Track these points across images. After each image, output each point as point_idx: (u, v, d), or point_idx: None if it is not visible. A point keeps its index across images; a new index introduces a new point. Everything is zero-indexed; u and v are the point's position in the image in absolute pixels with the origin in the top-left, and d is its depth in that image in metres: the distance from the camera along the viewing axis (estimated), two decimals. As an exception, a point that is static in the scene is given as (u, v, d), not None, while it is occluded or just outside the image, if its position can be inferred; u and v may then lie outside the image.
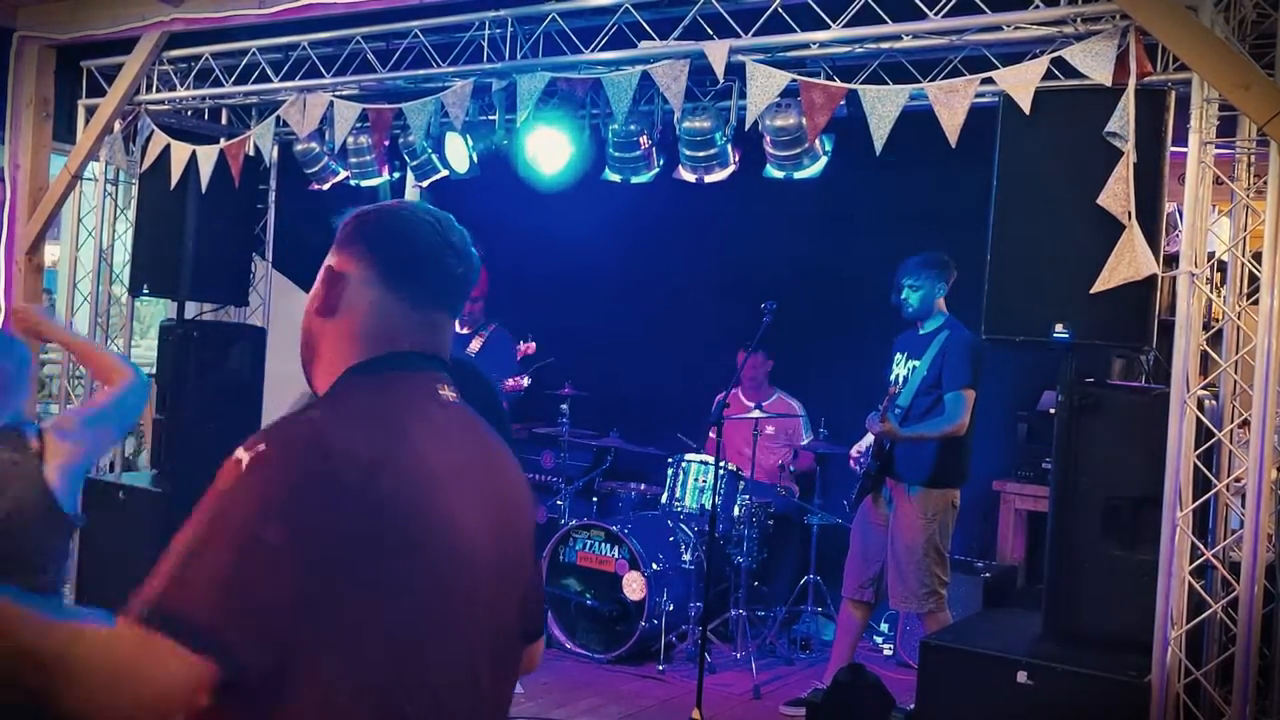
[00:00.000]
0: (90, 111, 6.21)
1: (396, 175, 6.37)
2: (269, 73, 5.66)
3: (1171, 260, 3.80)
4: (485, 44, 5.03)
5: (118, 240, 6.51)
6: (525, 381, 6.05)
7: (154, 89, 6.08)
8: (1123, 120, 3.57)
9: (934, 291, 5.05)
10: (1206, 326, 3.72)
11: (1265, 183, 3.48)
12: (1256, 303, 3.51)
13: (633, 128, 5.17)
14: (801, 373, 6.78)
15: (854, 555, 5.20)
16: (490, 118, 5.39)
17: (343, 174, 6.23)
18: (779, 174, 4.91)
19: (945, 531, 4.98)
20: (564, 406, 6.50)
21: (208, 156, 5.78)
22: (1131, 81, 3.59)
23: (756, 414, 6.21)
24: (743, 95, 4.53)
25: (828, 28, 4.21)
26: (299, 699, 1.29)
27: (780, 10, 4.30)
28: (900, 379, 5.10)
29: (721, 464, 5.43)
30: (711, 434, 5.86)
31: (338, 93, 5.42)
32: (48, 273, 6.41)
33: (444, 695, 1.40)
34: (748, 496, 6.02)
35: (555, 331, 6.70)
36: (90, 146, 6.10)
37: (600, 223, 6.81)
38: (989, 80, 3.85)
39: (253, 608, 1.25)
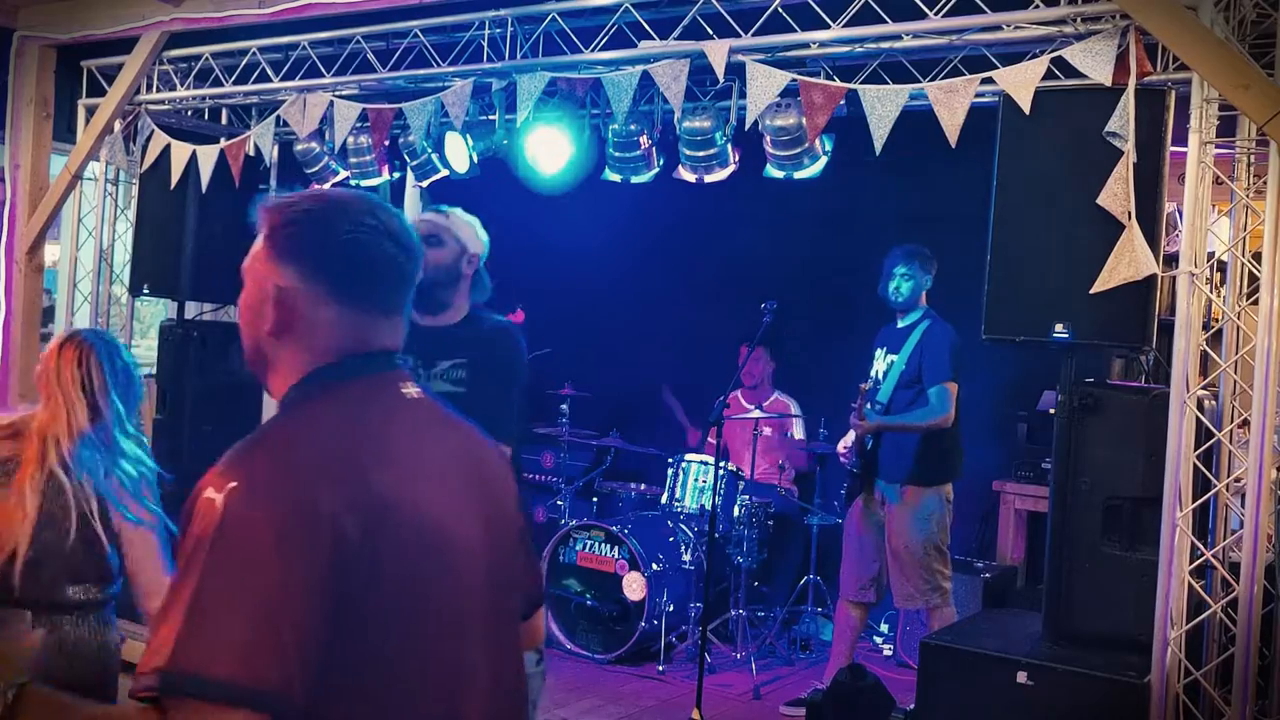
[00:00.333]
0: (90, 111, 6.21)
1: (396, 175, 6.37)
2: (269, 73, 5.66)
3: (1171, 260, 3.79)
4: (485, 44, 5.03)
5: (118, 240, 6.51)
6: None
7: (154, 89, 6.08)
8: (1123, 120, 3.57)
9: (922, 283, 5.07)
10: (1206, 326, 3.72)
11: (1265, 183, 3.48)
12: (1256, 303, 3.51)
13: (633, 128, 5.17)
14: (801, 373, 6.78)
15: (849, 557, 5.20)
16: (490, 118, 5.39)
17: (343, 174, 6.22)
18: (779, 174, 4.91)
19: (943, 527, 4.98)
20: (564, 406, 6.50)
21: (208, 156, 5.78)
22: (1131, 81, 3.59)
23: (756, 414, 6.21)
24: (743, 95, 4.53)
25: (828, 27, 4.21)
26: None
27: (780, 10, 4.30)
28: (879, 374, 5.12)
29: (721, 464, 5.43)
30: (711, 435, 5.86)
31: (338, 93, 5.42)
32: (48, 273, 6.41)
33: (447, 691, 1.40)
34: (748, 496, 6.02)
35: (555, 331, 6.70)
36: (90, 146, 6.10)
37: (600, 223, 6.81)
38: (989, 80, 3.85)
39: (276, 649, 1.24)
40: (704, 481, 6.10)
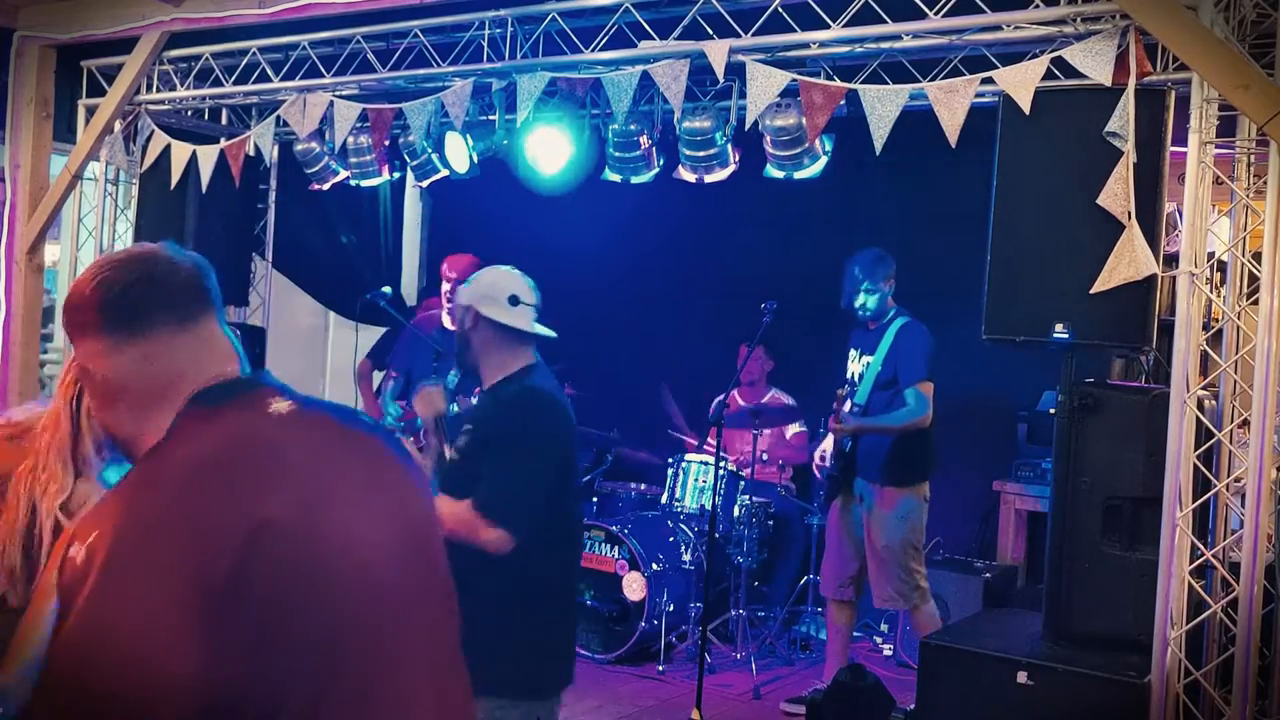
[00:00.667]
0: (90, 111, 6.21)
1: (396, 175, 6.37)
2: (269, 73, 5.66)
3: (1171, 260, 3.79)
4: (485, 44, 5.03)
5: (118, 240, 6.50)
6: None
7: (154, 89, 6.08)
8: (1123, 120, 3.57)
9: (887, 291, 5.07)
10: (1206, 326, 3.72)
11: (1265, 182, 3.47)
12: (1256, 303, 3.51)
13: (633, 128, 5.17)
14: (801, 372, 6.78)
15: (829, 556, 5.24)
16: (490, 118, 5.39)
17: (343, 174, 6.23)
18: (779, 174, 4.91)
19: (918, 527, 5.00)
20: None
21: (208, 156, 5.78)
22: (1131, 81, 3.59)
23: (756, 419, 6.21)
24: (743, 95, 4.53)
25: (828, 27, 4.21)
26: None
27: (780, 10, 4.30)
28: (854, 376, 5.12)
29: (721, 464, 5.43)
30: (711, 436, 5.86)
31: (338, 93, 5.42)
32: (48, 273, 6.41)
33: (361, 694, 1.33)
34: (748, 496, 6.02)
35: (555, 331, 6.69)
36: (90, 146, 6.10)
37: (600, 223, 6.81)
38: (989, 80, 3.85)
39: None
40: (704, 481, 6.10)
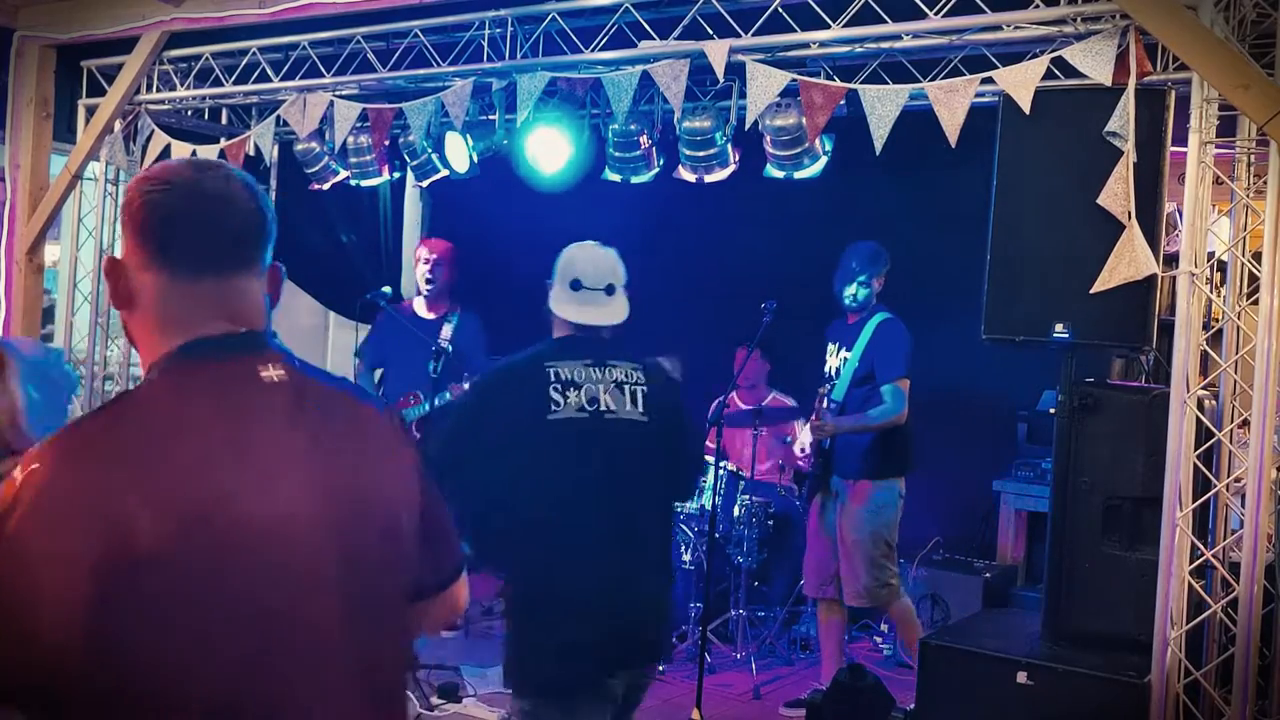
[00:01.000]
0: (90, 111, 6.22)
1: (396, 175, 6.38)
2: (269, 72, 5.67)
3: (1171, 260, 3.79)
4: (485, 44, 5.03)
5: (118, 240, 6.50)
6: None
7: (154, 89, 6.08)
8: (1123, 120, 3.57)
9: (878, 287, 5.09)
10: (1206, 326, 3.72)
11: (1265, 182, 3.48)
12: (1256, 303, 3.51)
13: (633, 127, 5.18)
14: (801, 372, 6.77)
15: (810, 555, 5.25)
16: (490, 117, 5.40)
17: (343, 174, 6.23)
18: (779, 174, 4.91)
19: (891, 523, 4.99)
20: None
21: (208, 156, 5.79)
22: (1131, 81, 3.59)
23: (757, 419, 6.20)
24: (743, 95, 4.53)
25: (828, 27, 4.21)
26: None
27: (780, 10, 4.30)
28: (833, 370, 5.12)
29: (721, 464, 5.43)
30: (710, 436, 5.85)
31: (338, 92, 5.42)
32: (48, 272, 6.41)
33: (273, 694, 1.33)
34: (748, 496, 6.02)
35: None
36: (90, 146, 6.10)
37: (600, 223, 6.78)
38: (989, 80, 3.85)
39: (26, 641, 1.22)
40: (704, 482, 6.10)
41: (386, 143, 5.77)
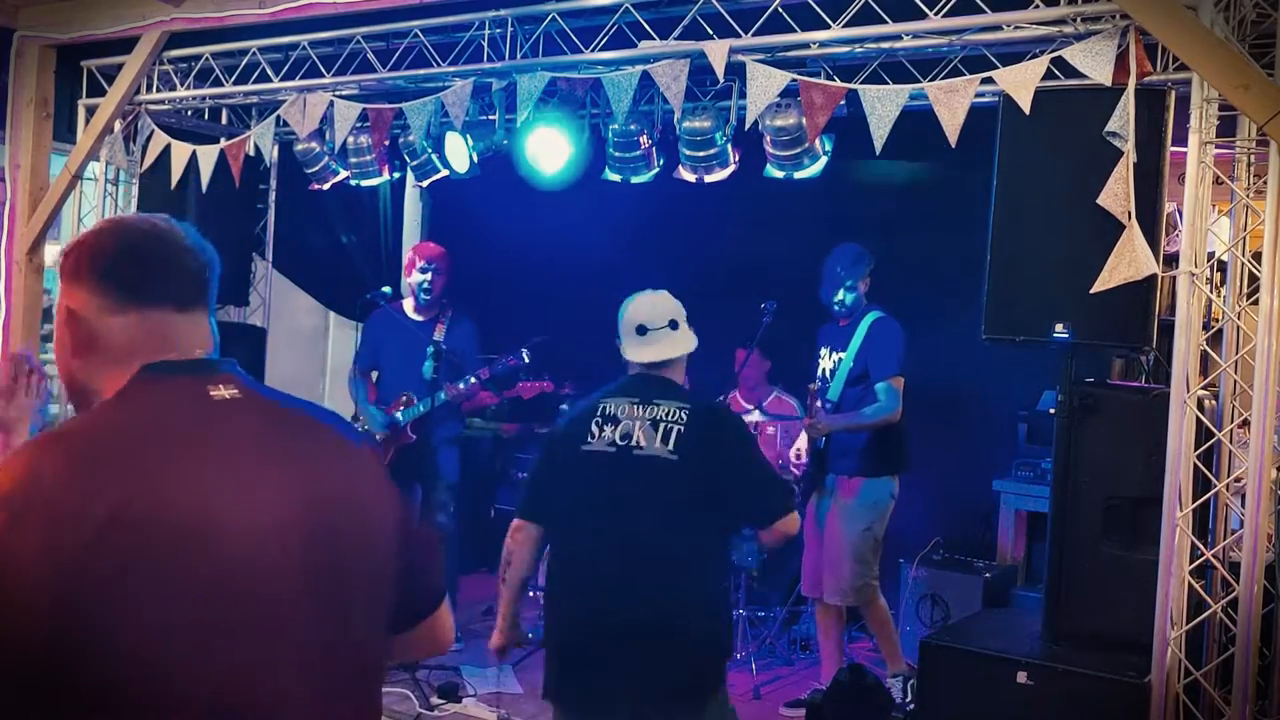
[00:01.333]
0: (90, 111, 6.21)
1: (396, 175, 6.37)
2: (269, 73, 5.66)
3: (1171, 260, 3.79)
4: (485, 44, 5.03)
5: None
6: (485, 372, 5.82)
7: (154, 89, 6.08)
8: (1123, 120, 3.57)
9: (864, 289, 5.08)
10: (1206, 326, 3.72)
11: (1265, 182, 3.47)
12: (1256, 303, 3.51)
13: (633, 128, 5.17)
14: (802, 372, 6.77)
15: (808, 554, 5.24)
16: (490, 118, 5.40)
17: (343, 174, 6.23)
18: (779, 174, 4.91)
19: (881, 522, 4.98)
20: (564, 406, 6.48)
21: (208, 156, 5.78)
22: (1131, 81, 3.59)
23: (757, 416, 6.20)
24: (743, 95, 4.53)
25: (828, 27, 4.21)
26: None
27: (780, 10, 4.30)
28: (826, 372, 5.12)
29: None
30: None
31: (338, 92, 5.42)
32: (48, 272, 6.40)
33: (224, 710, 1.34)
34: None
35: (555, 330, 6.69)
36: (90, 146, 6.10)
37: (600, 223, 6.80)
38: (989, 80, 3.85)
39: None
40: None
41: (386, 143, 5.77)
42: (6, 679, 1.25)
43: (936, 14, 4.02)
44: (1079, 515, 3.75)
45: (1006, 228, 3.82)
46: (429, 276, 5.72)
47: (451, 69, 5.12)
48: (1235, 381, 3.63)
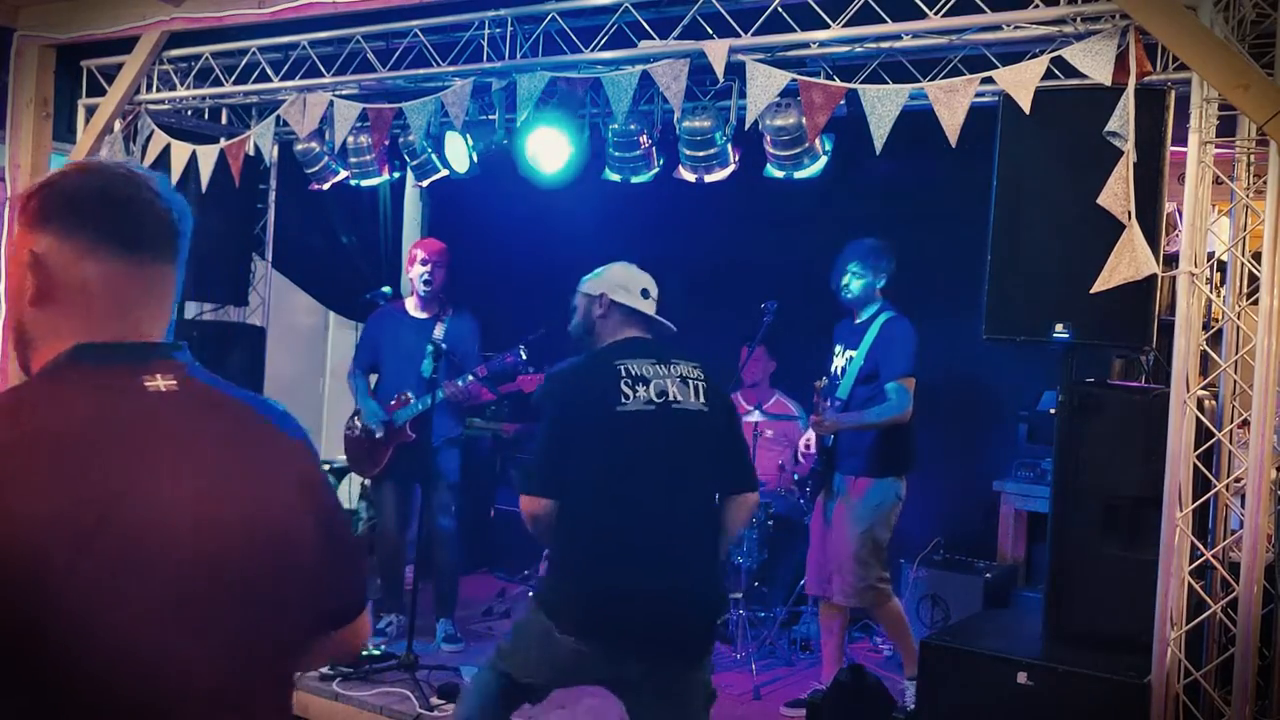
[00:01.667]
0: (90, 111, 6.22)
1: (396, 175, 6.37)
2: (269, 72, 5.66)
3: (1171, 260, 3.79)
4: (485, 44, 5.03)
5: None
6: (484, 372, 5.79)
7: (154, 89, 6.08)
8: (1122, 120, 3.57)
9: (875, 281, 5.04)
10: (1206, 326, 3.72)
11: (1265, 182, 3.47)
12: (1256, 303, 3.51)
13: (633, 127, 5.17)
14: (802, 373, 6.77)
15: (813, 553, 5.23)
16: (490, 117, 5.40)
17: (343, 174, 6.23)
18: (779, 174, 4.91)
19: (887, 523, 4.96)
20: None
21: (208, 156, 5.78)
22: (1131, 81, 3.59)
23: (756, 416, 6.21)
24: (743, 95, 4.53)
25: (828, 27, 4.21)
26: None
27: (780, 10, 4.30)
28: (838, 370, 5.11)
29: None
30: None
31: (338, 92, 5.42)
32: None
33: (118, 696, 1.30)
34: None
35: (554, 331, 6.69)
36: (90, 146, 6.10)
37: (600, 222, 6.80)
38: (989, 80, 3.85)
39: None
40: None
41: (386, 143, 5.77)
42: None
43: (936, 14, 4.02)
44: (1079, 515, 3.75)
45: (1006, 228, 3.82)
46: (429, 269, 5.71)
47: (451, 69, 5.13)
48: (1235, 381, 3.63)
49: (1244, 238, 3.66)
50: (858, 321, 5.10)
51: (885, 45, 4.24)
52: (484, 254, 7.23)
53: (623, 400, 3.16)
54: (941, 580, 5.77)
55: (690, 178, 5.15)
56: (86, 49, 6.17)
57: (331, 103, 5.35)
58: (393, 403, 5.69)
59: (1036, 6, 3.85)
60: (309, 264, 7.70)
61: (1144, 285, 3.56)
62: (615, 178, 5.42)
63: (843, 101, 4.15)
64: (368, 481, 6.48)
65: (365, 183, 6.23)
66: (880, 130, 3.99)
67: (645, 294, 3.45)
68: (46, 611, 1.24)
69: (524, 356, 5.64)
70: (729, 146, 4.98)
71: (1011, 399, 6.26)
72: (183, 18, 5.57)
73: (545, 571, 3.28)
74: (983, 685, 3.68)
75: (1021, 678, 3.59)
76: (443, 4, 5.04)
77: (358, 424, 5.79)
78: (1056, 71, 3.76)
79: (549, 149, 5.32)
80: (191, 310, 6.39)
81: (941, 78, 4.07)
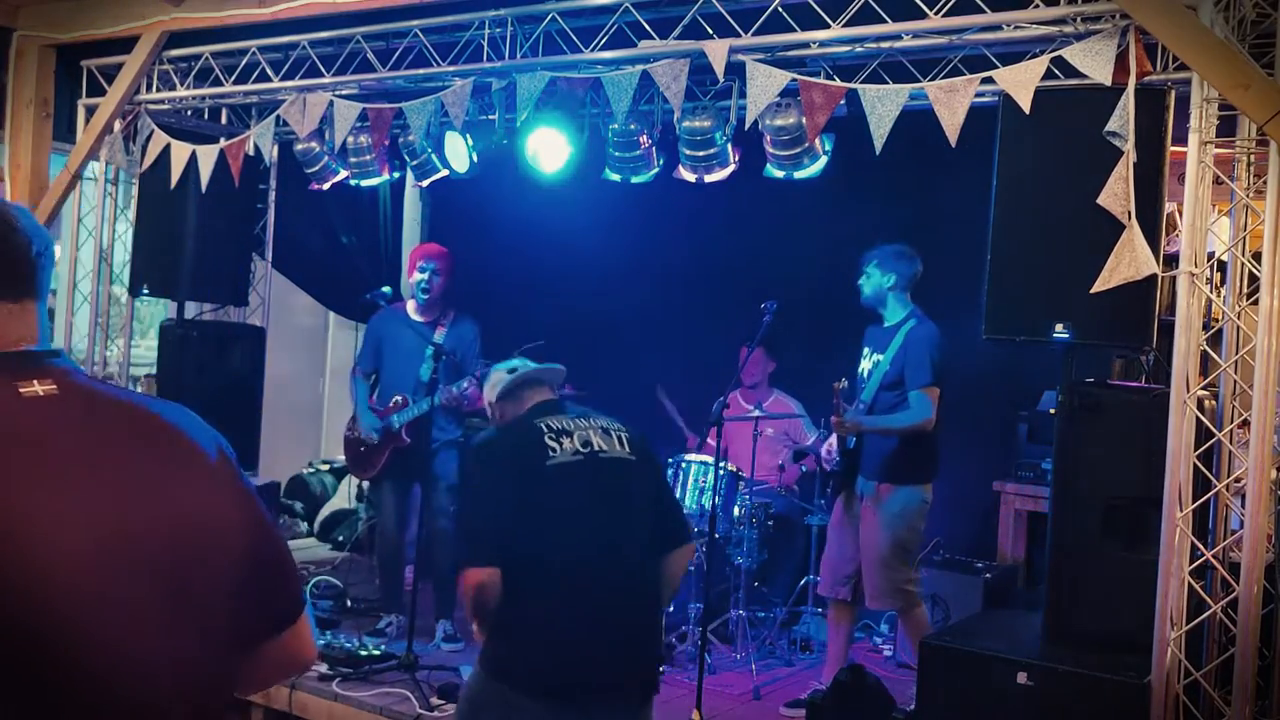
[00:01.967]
0: (90, 111, 6.22)
1: (396, 175, 6.37)
2: (269, 72, 5.66)
3: (1171, 260, 3.79)
4: (485, 43, 5.03)
5: (118, 240, 6.51)
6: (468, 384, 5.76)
7: (154, 89, 6.08)
8: (1123, 120, 3.57)
9: (883, 281, 5.00)
10: (1206, 326, 3.72)
11: (1265, 182, 3.48)
12: (1256, 303, 3.51)
13: (633, 127, 5.17)
14: (802, 373, 6.77)
15: (828, 554, 5.22)
16: (490, 117, 5.39)
17: (343, 174, 6.23)
18: (779, 174, 4.90)
19: (913, 528, 4.95)
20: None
21: (208, 156, 5.78)
22: (1131, 81, 3.59)
23: (757, 414, 6.21)
24: (743, 95, 4.53)
25: (828, 27, 4.21)
26: None
27: (780, 10, 4.30)
28: (864, 373, 5.10)
29: (721, 464, 5.42)
30: (711, 436, 5.85)
31: (338, 92, 5.42)
32: None
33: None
34: (748, 497, 6.01)
35: (555, 331, 6.69)
36: (90, 146, 6.11)
37: (600, 222, 6.81)
38: (989, 80, 3.85)
39: None
40: (704, 482, 6.10)
41: (386, 143, 5.77)
42: None
43: (936, 14, 4.02)
44: (1079, 515, 3.75)
45: (1006, 228, 3.82)
46: (427, 276, 5.70)
47: (451, 69, 5.13)
48: (1235, 381, 3.63)
49: (1244, 238, 3.66)
50: (886, 325, 5.08)
51: (885, 45, 4.24)
52: (484, 254, 7.23)
53: (550, 454, 3.13)
54: (941, 580, 5.77)
55: (690, 178, 5.15)
56: (86, 49, 6.17)
57: (331, 103, 5.35)
58: (390, 406, 5.68)
59: (1036, 6, 3.85)
60: (309, 264, 7.70)
61: (1144, 285, 3.56)
62: (615, 178, 5.42)
63: (843, 101, 4.15)
64: (366, 483, 6.49)
65: (365, 183, 6.23)
66: (880, 130, 3.99)
67: (510, 370, 3.39)
68: None
69: (475, 388, 5.57)
70: (729, 146, 4.98)
71: (1011, 399, 6.26)
72: (183, 18, 5.58)
73: (488, 637, 3.17)
74: (983, 685, 3.68)
75: (1021, 678, 3.59)
76: (443, 4, 5.04)
77: (356, 426, 5.79)
78: (1056, 71, 3.76)
79: (549, 149, 5.32)
80: (191, 310, 6.39)
81: (941, 78, 4.07)
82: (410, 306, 5.85)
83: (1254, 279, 3.55)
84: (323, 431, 8.69)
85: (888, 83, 4.16)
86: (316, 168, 6.22)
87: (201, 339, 6.22)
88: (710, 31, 4.47)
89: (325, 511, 8.04)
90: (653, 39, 4.56)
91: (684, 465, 6.25)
